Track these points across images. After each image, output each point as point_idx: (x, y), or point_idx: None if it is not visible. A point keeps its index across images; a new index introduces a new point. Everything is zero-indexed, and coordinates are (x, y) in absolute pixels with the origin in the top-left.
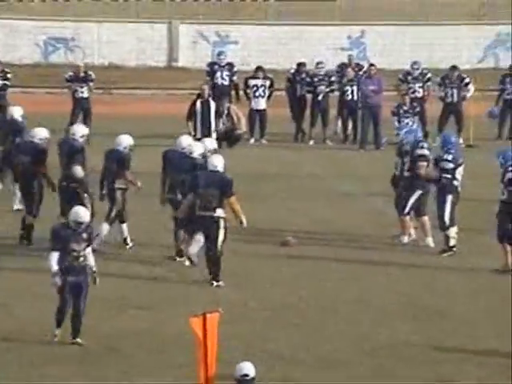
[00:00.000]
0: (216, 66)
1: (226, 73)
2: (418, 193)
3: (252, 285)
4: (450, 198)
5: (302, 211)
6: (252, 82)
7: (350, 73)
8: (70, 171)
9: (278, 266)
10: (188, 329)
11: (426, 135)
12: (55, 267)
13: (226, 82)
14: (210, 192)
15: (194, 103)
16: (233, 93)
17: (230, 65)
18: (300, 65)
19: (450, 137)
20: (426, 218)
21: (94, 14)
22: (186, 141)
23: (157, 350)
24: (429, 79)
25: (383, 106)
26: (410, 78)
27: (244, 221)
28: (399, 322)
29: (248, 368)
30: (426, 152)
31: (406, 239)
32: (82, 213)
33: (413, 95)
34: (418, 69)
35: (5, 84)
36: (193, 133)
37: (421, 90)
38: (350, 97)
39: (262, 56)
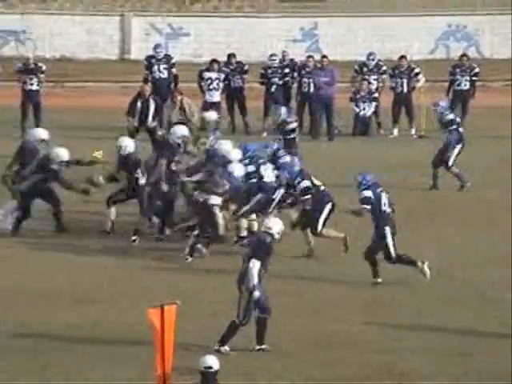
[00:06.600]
0: (153, 60)
1: (163, 66)
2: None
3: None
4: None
5: None
6: (206, 75)
7: (310, 64)
8: None
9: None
10: (141, 320)
11: (379, 125)
12: (257, 280)
13: (164, 75)
14: None
15: (134, 101)
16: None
17: (168, 57)
18: (230, 56)
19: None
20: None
21: (46, 6)
22: None
23: (111, 342)
24: (384, 71)
25: (336, 98)
26: (365, 69)
27: None
28: (350, 314)
29: (212, 361)
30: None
31: None
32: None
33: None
34: (373, 60)
35: None
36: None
37: (375, 82)
38: (306, 89)
39: (214, 48)
